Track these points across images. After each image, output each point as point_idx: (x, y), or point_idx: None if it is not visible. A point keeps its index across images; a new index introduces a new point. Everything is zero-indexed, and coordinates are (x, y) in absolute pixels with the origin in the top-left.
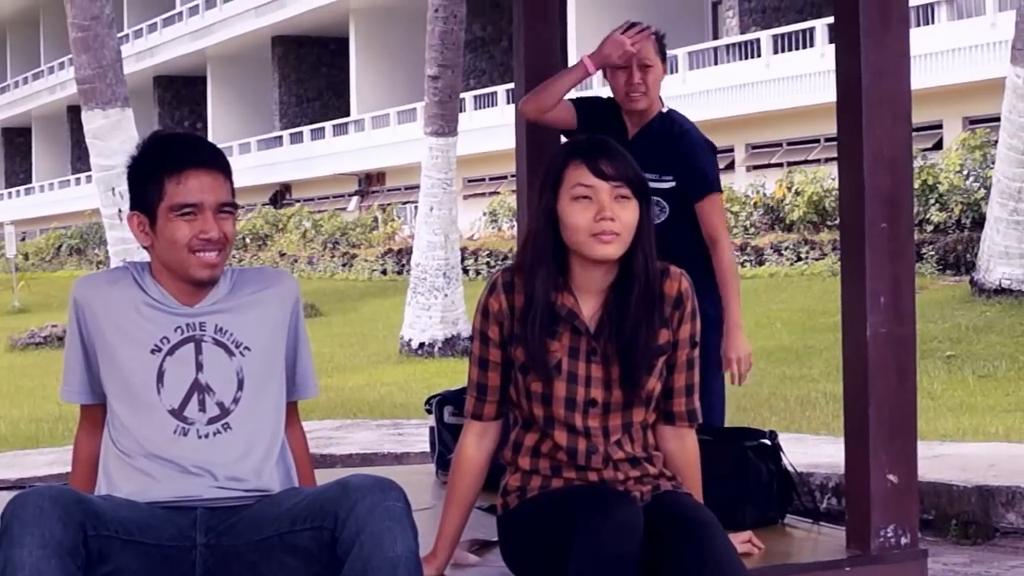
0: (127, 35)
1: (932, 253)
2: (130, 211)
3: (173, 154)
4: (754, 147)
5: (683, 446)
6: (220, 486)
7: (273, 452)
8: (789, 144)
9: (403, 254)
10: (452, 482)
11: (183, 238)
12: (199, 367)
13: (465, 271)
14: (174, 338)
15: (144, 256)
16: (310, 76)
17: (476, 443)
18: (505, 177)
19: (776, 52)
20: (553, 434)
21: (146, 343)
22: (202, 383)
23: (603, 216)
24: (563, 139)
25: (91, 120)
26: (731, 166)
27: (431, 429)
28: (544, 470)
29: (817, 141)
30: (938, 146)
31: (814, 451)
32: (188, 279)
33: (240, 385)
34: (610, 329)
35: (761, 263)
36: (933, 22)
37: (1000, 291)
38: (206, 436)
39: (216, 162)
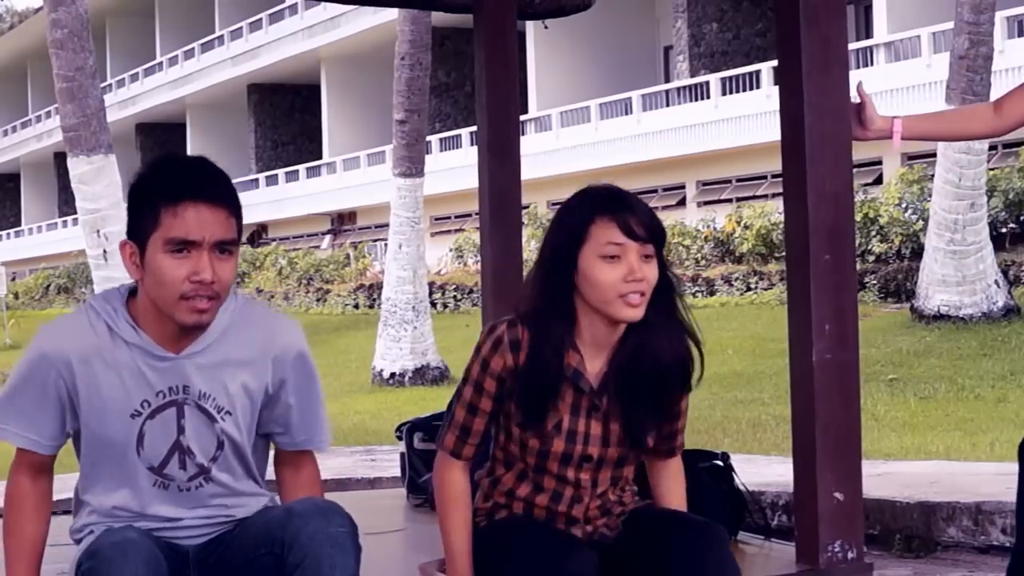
0: (110, 85)
1: (874, 282)
2: (124, 239)
3: (173, 181)
4: (704, 184)
5: (669, 471)
6: (205, 522)
7: (256, 490)
8: (738, 181)
9: (374, 289)
10: (451, 513)
11: (174, 278)
12: (181, 430)
13: (433, 304)
14: (155, 402)
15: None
16: (284, 122)
17: (462, 476)
18: (470, 215)
19: (724, 94)
20: (541, 480)
21: (126, 408)
22: (184, 445)
23: (633, 277)
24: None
25: (76, 166)
26: (682, 202)
27: (402, 455)
28: (516, 509)
29: (764, 177)
30: (878, 181)
31: (765, 471)
32: (173, 322)
33: (220, 446)
34: (616, 386)
35: (712, 293)
36: (872, 64)
37: (939, 317)
38: (187, 489)
39: (220, 195)
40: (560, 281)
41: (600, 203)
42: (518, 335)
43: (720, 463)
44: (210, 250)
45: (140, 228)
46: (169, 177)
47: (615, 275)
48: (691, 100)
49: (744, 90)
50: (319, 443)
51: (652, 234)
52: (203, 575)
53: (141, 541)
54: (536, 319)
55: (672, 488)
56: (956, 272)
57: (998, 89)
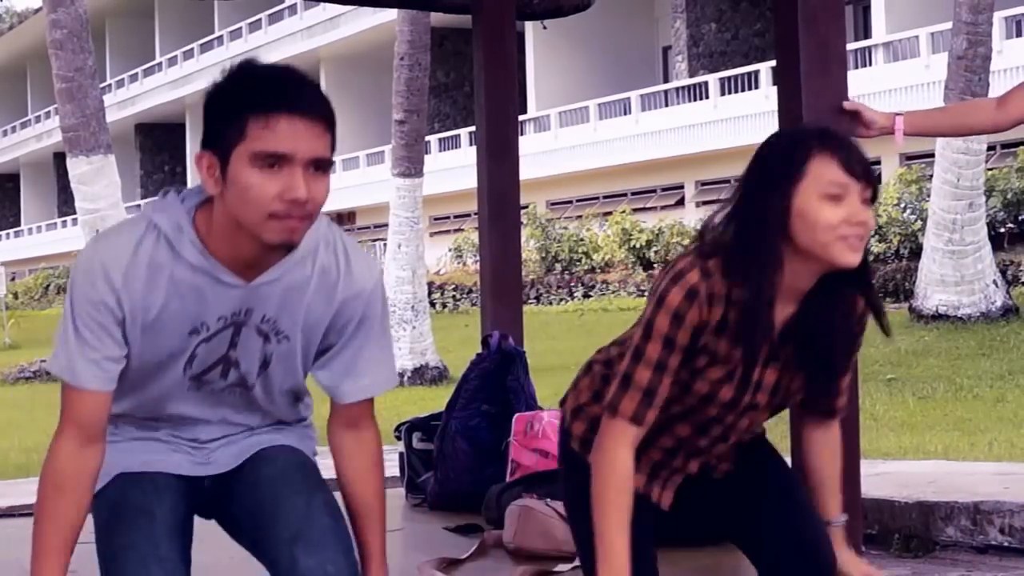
0: (109, 85)
1: (872, 282)
2: (200, 150)
3: (264, 89)
4: (703, 184)
5: (829, 435)
6: (222, 423)
7: (284, 422)
8: (736, 181)
9: None
10: (615, 500)
11: (263, 196)
12: (232, 345)
13: (432, 304)
14: (215, 327)
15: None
16: None
17: (632, 455)
18: (468, 215)
19: (723, 94)
20: (691, 417)
21: (183, 328)
22: (232, 358)
23: (857, 220)
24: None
25: (76, 166)
26: (681, 202)
27: (400, 455)
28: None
29: None
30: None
31: None
32: (259, 242)
33: (267, 364)
34: (801, 335)
35: None
36: (870, 64)
37: (937, 317)
38: (220, 392)
39: (317, 107)
40: (773, 222)
41: (819, 138)
42: (715, 288)
43: None
44: (304, 167)
45: (222, 139)
46: (260, 84)
47: (837, 216)
48: (690, 100)
49: (743, 90)
50: (378, 386)
51: (872, 176)
52: (215, 507)
53: (161, 486)
54: (746, 268)
55: (827, 461)
56: (954, 272)
57: (996, 89)
